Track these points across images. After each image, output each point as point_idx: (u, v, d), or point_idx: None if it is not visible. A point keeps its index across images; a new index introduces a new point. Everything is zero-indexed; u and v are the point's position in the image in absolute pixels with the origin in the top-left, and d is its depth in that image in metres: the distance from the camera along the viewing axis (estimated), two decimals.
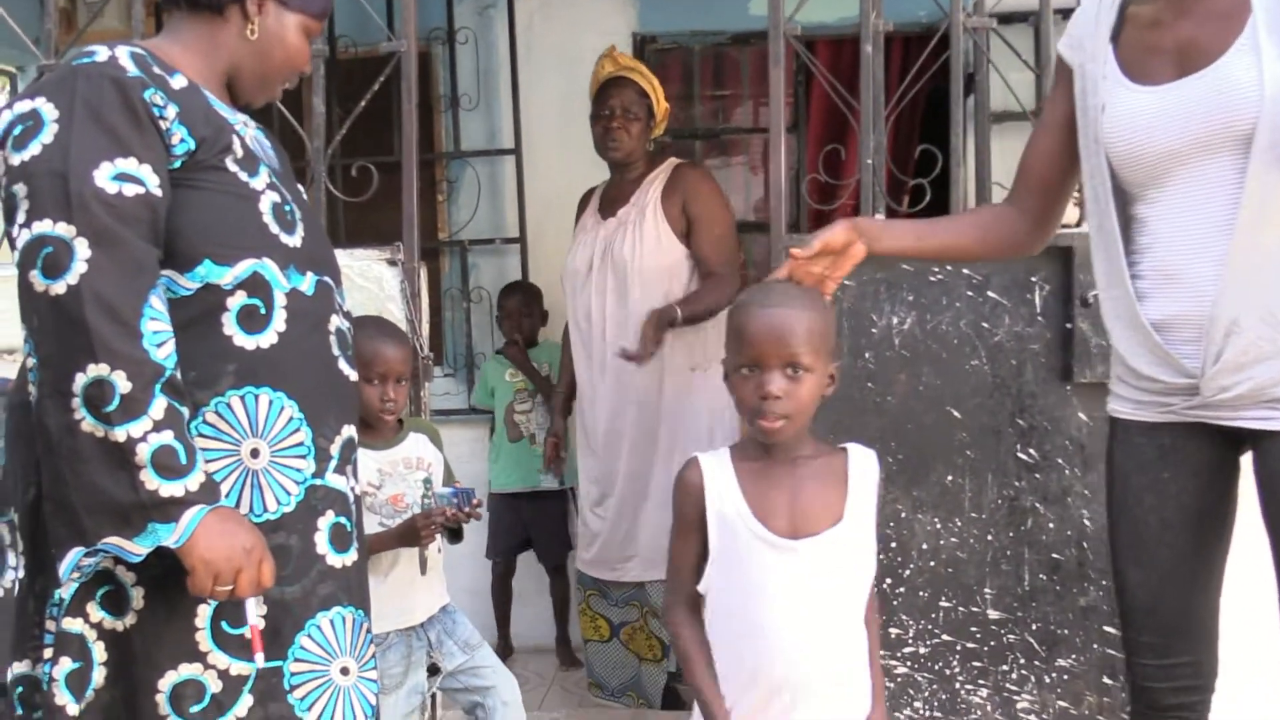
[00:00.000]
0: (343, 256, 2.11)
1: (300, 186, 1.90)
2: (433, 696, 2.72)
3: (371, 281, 2.69)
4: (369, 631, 1.75)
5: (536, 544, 4.06)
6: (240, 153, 1.68)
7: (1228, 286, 1.70)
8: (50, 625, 1.60)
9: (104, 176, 1.51)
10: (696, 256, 3.29)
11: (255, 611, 1.58)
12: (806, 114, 4.44)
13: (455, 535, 2.58)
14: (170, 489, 1.47)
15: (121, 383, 1.46)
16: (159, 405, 1.47)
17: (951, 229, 2.07)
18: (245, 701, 1.61)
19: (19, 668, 1.66)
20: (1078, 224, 2.71)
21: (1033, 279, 2.62)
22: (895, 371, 2.67)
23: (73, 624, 1.58)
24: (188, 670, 1.58)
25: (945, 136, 2.76)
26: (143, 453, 1.46)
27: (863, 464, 1.74)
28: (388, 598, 2.43)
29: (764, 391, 1.65)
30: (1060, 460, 2.63)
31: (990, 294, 2.64)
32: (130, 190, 1.52)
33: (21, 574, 1.65)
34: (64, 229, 1.48)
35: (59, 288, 1.47)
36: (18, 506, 1.65)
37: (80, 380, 1.46)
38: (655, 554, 3.13)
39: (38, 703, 1.65)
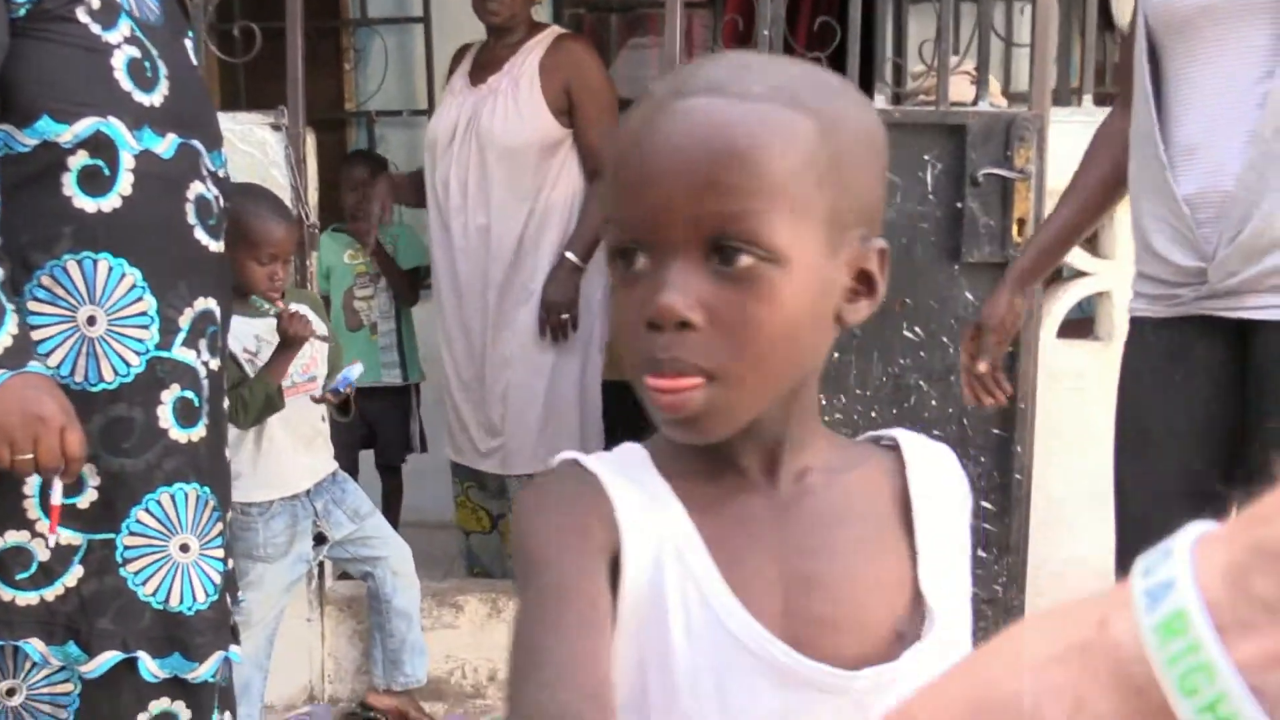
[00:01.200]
0: (224, 120, 2.05)
1: (189, 43, 1.82)
2: (320, 565, 2.74)
3: (254, 147, 2.62)
4: (215, 510, 1.73)
5: (377, 441, 3.68)
6: (96, 4, 1.60)
7: (1253, 165, 1.57)
8: None
9: None
10: (582, 147, 2.98)
11: (59, 486, 1.55)
12: None
13: (344, 409, 2.57)
14: None
15: None
16: None
17: (1087, 204, 1.97)
18: (75, 572, 1.60)
19: None
20: (973, 102, 2.69)
21: (925, 157, 2.61)
22: None
23: None
24: (14, 537, 1.57)
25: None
26: None
27: (935, 472, 0.84)
28: (268, 466, 2.42)
29: (651, 310, 0.71)
30: (945, 339, 2.65)
31: None
32: None
33: None
34: None
35: None
36: None
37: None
38: (524, 446, 3.02)
39: None
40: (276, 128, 2.64)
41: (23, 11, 1.54)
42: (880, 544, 0.81)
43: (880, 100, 2.70)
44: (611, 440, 3.10)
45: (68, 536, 1.58)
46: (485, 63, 3.09)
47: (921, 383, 2.67)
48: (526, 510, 0.78)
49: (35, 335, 1.53)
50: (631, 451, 0.81)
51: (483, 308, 3.01)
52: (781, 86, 0.72)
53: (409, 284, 3.56)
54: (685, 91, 0.72)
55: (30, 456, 1.46)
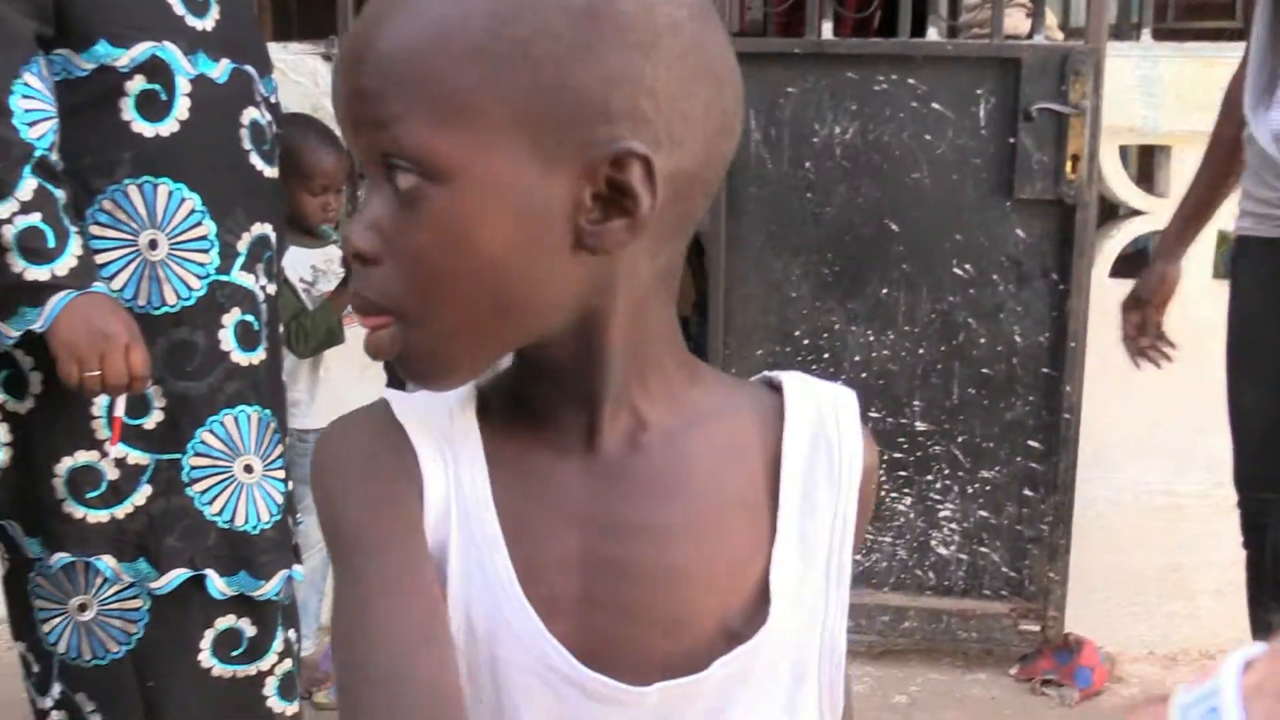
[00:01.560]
0: (275, 50, 2.06)
1: None
2: None
3: (305, 76, 2.64)
4: (275, 432, 1.77)
5: None
6: None
7: None
8: None
9: None
10: None
11: (122, 403, 1.59)
12: None
13: None
14: (35, 273, 1.47)
15: None
16: (27, 186, 1.46)
17: (1226, 162, 1.97)
18: (144, 491, 1.64)
19: None
20: (1028, 36, 2.65)
21: (978, 91, 2.58)
22: (835, 182, 2.64)
23: None
24: (84, 457, 1.61)
25: None
26: (8, 235, 1.45)
27: (820, 427, 0.71)
28: (324, 393, 2.47)
29: (342, 234, 0.74)
30: (995, 276, 2.64)
31: (935, 106, 2.59)
32: None
33: None
34: None
35: None
36: None
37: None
38: None
39: None
40: (327, 58, 2.65)
41: None
42: (726, 520, 0.68)
43: (933, 33, 2.66)
44: None
45: (135, 457, 1.63)
46: None
47: (970, 320, 2.66)
48: (333, 465, 0.68)
49: (98, 259, 1.56)
50: (460, 394, 0.70)
51: None
52: None
53: None
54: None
55: (97, 374, 1.50)
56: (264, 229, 1.74)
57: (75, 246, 1.50)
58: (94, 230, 1.57)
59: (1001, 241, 2.63)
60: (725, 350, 2.70)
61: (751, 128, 2.61)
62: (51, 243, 1.47)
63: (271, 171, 1.76)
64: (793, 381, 0.72)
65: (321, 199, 2.41)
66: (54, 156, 1.49)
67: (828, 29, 2.62)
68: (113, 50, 1.57)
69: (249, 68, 1.72)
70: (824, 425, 0.70)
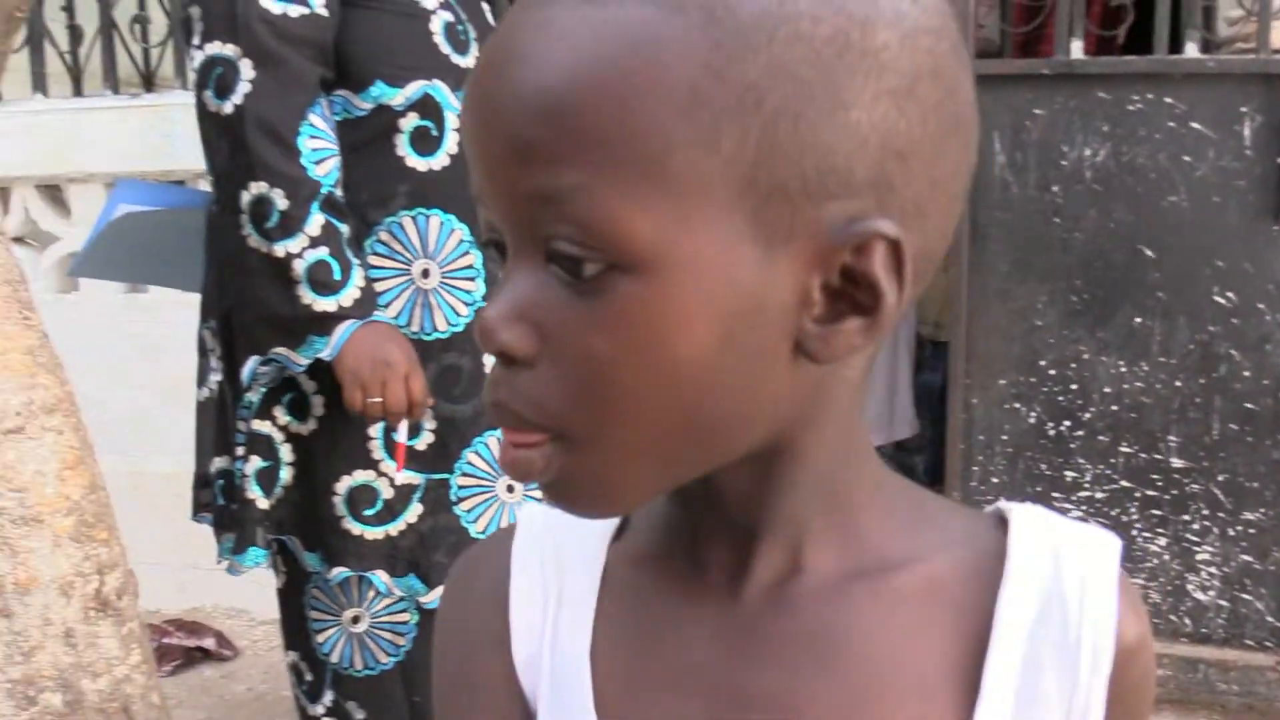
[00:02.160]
0: None
1: (486, 6, 1.91)
2: None
3: None
4: None
5: None
6: None
7: None
8: (242, 426, 1.73)
9: None
10: None
11: (404, 428, 1.66)
12: None
13: None
14: (324, 304, 1.55)
15: (280, 200, 1.53)
16: (315, 222, 1.54)
17: None
18: (415, 509, 1.71)
19: (219, 462, 1.81)
20: None
21: (1241, 110, 2.45)
22: (1085, 206, 2.55)
23: (261, 425, 1.71)
24: (362, 476, 1.69)
25: None
26: (299, 268, 1.54)
27: (1055, 588, 0.53)
28: None
29: (481, 327, 0.48)
30: (1261, 305, 2.49)
31: (1194, 125, 2.48)
32: (295, 10, 1.57)
33: (219, 378, 1.79)
34: (231, 50, 1.54)
35: (227, 107, 1.54)
36: (216, 316, 1.78)
37: (245, 198, 1.55)
38: None
39: (234, 495, 1.80)
40: None
41: None
42: (899, 706, 0.51)
43: (1191, 49, 2.54)
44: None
45: (408, 476, 1.70)
46: None
47: (1233, 351, 2.51)
48: (438, 622, 0.62)
49: (375, 287, 1.65)
50: (588, 556, 0.57)
51: None
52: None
53: None
54: (535, 2, 0.47)
55: (379, 400, 1.57)
56: None
57: (358, 278, 1.58)
58: (371, 260, 1.65)
59: (1268, 268, 2.48)
60: (966, 380, 2.63)
61: (996, 150, 2.54)
62: (338, 275, 1.56)
63: None
64: (1026, 518, 0.54)
65: None
66: (338, 193, 1.58)
67: (1077, 47, 2.53)
68: (388, 90, 1.65)
69: None
70: (1062, 584, 0.52)
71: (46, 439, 1.57)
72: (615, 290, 0.45)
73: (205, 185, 2.89)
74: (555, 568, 0.56)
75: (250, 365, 1.63)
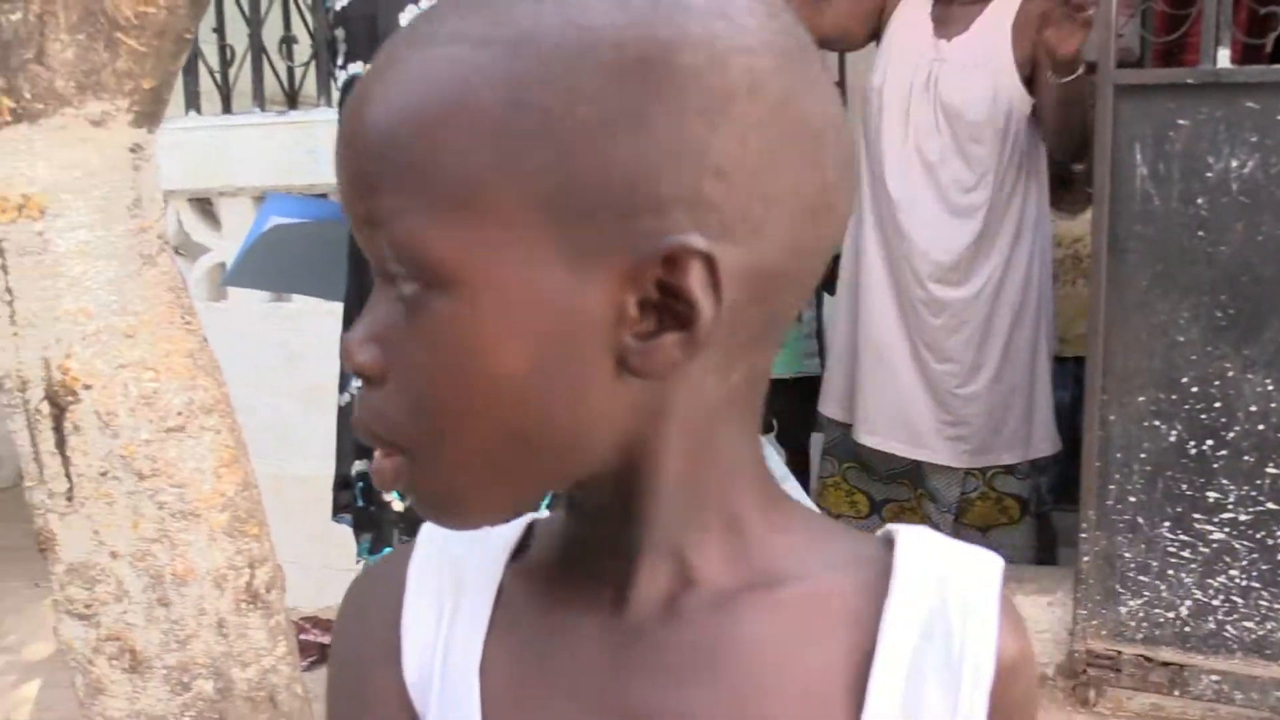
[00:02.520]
0: None
1: None
2: None
3: None
4: None
5: (780, 427, 3.47)
6: None
7: None
8: None
9: (408, 17, 1.62)
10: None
11: None
12: None
13: None
14: None
15: None
16: None
17: None
18: (541, 510, 1.75)
19: (359, 465, 1.88)
20: None
21: None
22: (1231, 219, 2.47)
23: None
24: None
25: None
26: None
27: (940, 608, 0.54)
28: None
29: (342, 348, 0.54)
30: None
31: None
32: None
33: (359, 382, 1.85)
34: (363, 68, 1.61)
35: None
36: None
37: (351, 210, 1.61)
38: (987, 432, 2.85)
39: (375, 498, 1.87)
40: None
41: None
42: (786, 712, 0.52)
43: None
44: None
45: None
46: (946, 16, 2.80)
47: None
48: (334, 632, 0.63)
49: None
50: (497, 533, 0.58)
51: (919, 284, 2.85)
52: (491, 6, 0.47)
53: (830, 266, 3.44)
54: (389, 43, 0.50)
55: None
56: None
57: None
58: None
59: None
60: (1104, 396, 2.57)
61: (1137, 162, 2.48)
62: None
63: None
64: (911, 538, 0.55)
65: None
66: None
67: (1224, 56, 2.46)
68: None
69: None
70: (946, 602, 0.53)
71: (205, 438, 1.65)
72: (429, 309, 0.47)
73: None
74: (452, 584, 0.57)
75: (354, 386, 1.69)
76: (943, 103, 2.73)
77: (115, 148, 1.53)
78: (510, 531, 0.58)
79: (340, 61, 1.65)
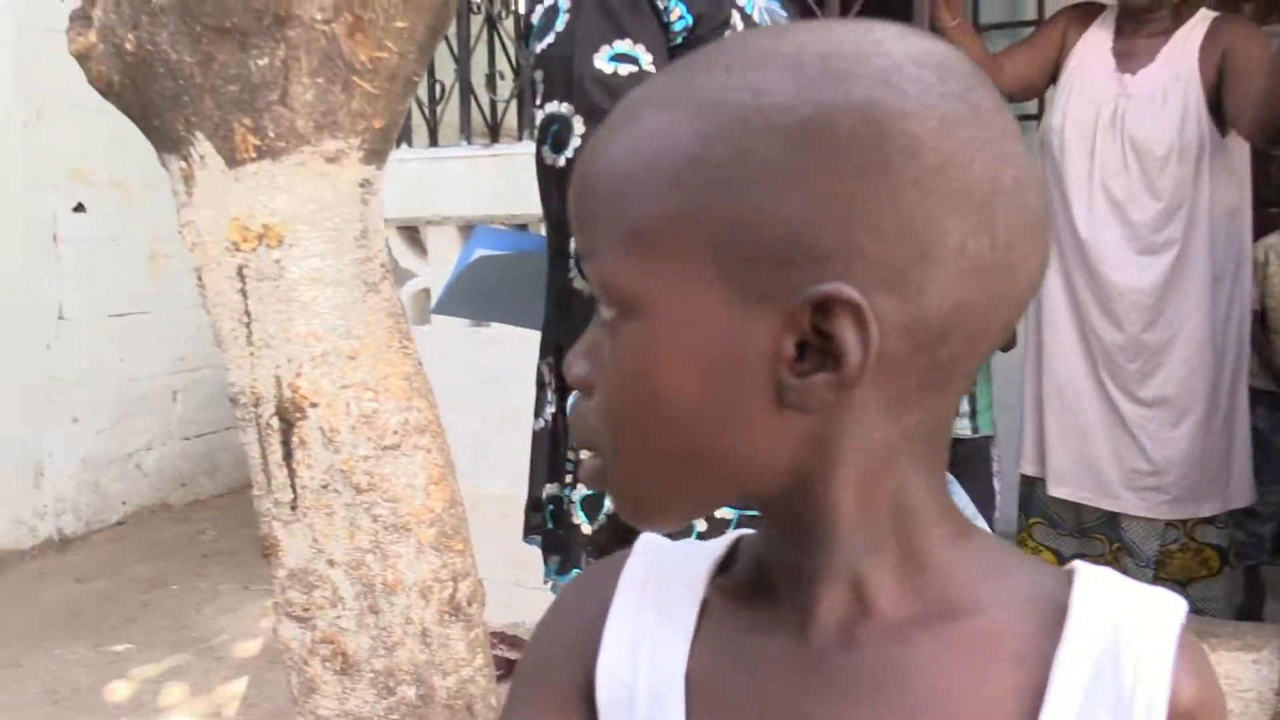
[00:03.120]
0: None
1: None
2: None
3: None
4: None
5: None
6: (740, 25, 1.79)
7: None
8: (571, 454, 1.85)
9: (602, 59, 1.68)
10: (1245, 123, 2.54)
11: None
12: None
13: None
14: None
15: None
16: None
17: None
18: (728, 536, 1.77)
19: (550, 488, 1.94)
20: None
21: None
22: None
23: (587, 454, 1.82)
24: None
25: None
26: None
27: (1112, 650, 0.55)
28: None
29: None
30: None
31: None
32: (625, 69, 1.68)
33: (554, 410, 1.92)
34: (565, 108, 1.68)
35: (560, 161, 1.68)
36: (553, 351, 1.92)
37: (573, 245, 1.67)
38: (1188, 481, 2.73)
39: (565, 521, 1.93)
40: None
41: (680, 40, 1.74)
42: None
43: None
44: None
45: (724, 512, 1.77)
46: (1129, 49, 2.75)
47: None
48: (546, 613, 0.69)
49: None
50: (707, 548, 0.65)
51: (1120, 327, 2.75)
52: (683, 72, 0.55)
53: None
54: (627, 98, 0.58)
55: None
56: None
57: None
58: None
59: None
60: None
61: None
62: None
63: None
64: (1091, 577, 0.57)
65: None
66: None
67: None
68: None
69: None
70: (1120, 646, 0.54)
71: (417, 456, 1.74)
72: (621, 333, 0.55)
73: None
74: (658, 592, 0.63)
75: (574, 395, 1.75)
76: (1131, 138, 2.67)
77: (347, 183, 1.65)
78: (718, 547, 0.64)
79: (539, 101, 1.73)
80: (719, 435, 0.54)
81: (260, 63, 1.57)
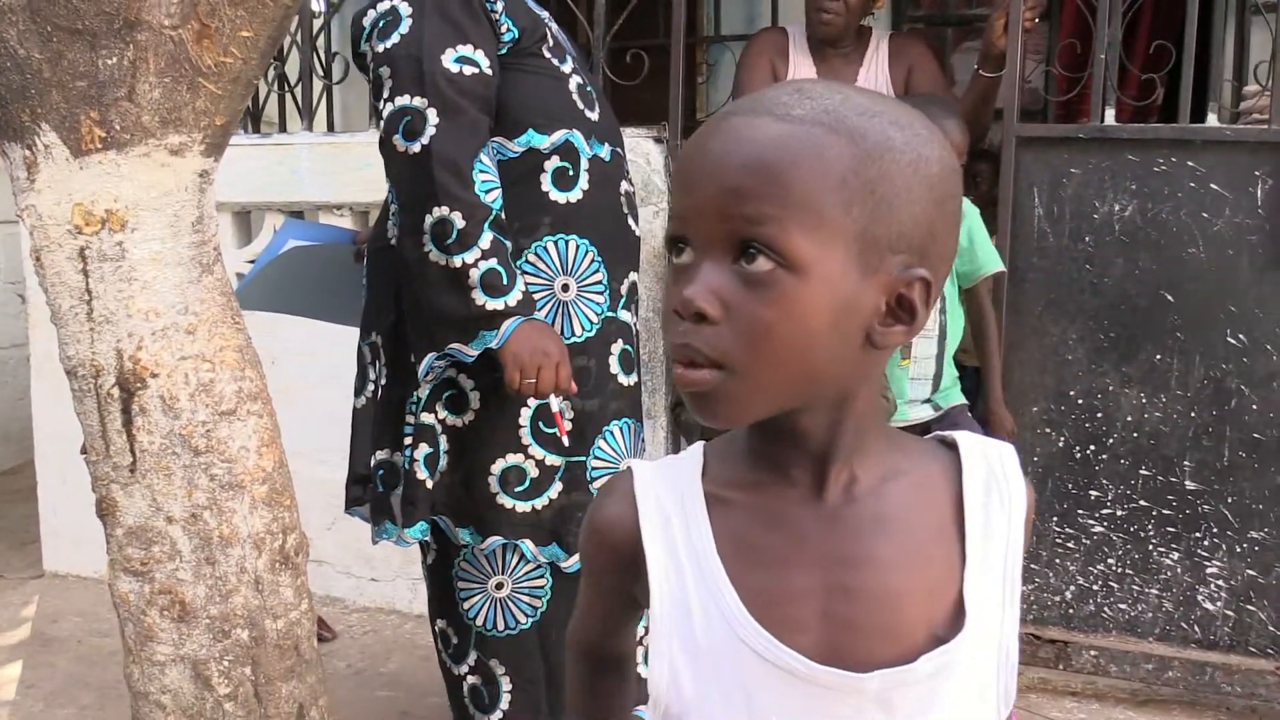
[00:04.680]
0: None
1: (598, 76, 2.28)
2: None
3: (640, 157, 3.06)
4: (641, 439, 2.16)
5: None
6: (552, 42, 2.06)
7: None
8: (410, 420, 2.07)
9: (448, 59, 1.91)
10: None
11: (556, 402, 1.97)
12: (1060, 2, 4.49)
13: None
14: (494, 304, 1.88)
15: (458, 221, 1.87)
16: (487, 238, 1.88)
17: None
18: (556, 487, 2.04)
19: (380, 455, 2.15)
20: None
21: (1256, 174, 2.74)
22: (1113, 256, 2.85)
23: (427, 418, 2.05)
24: (512, 459, 2.03)
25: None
26: (474, 276, 1.87)
27: (990, 474, 0.87)
28: None
29: (677, 299, 0.79)
30: (1269, 346, 2.78)
31: (1213, 186, 2.78)
32: (468, 70, 1.92)
33: (383, 383, 2.13)
34: (419, 101, 1.89)
35: (415, 148, 1.89)
36: (380, 330, 2.12)
37: (429, 220, 1.89)
38: None
39: (393, 482, 2.14)
40: (659, 140, 3.08)
41: (505, 50, 2.00)
42: (926, 552, 0.84)
43: (1213, 119, 2.85)
44: None
45: (551, 459, 2.03)
46: (831, 75, 3.08)
47: (1243, 387, 2.81)
48: (583, 528, 0.95)
49: None
50: (689, 456, 0.89)
51: None
52: (828, 110, 0.76)
53: None
54: (736, 111, 0.79)
55: (533, 381, 1.88)
56: (634, 276, 2.15)
57: (520, 284, 1.91)
58: (522, 279, 2.01)
59: (1275, 313, 2.77)
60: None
61: (1035, 204, 2.86)
62: (505, 281, 1.89)
63: (638, 230, 2.17)
64: (965, 439, 0.88)
65: None
66: (503, 215, 1.92)
67: (1110, 115, 2.85)
68: (537, 136, 2.00)
69: (619, 149, 2.14)
70: (993, 472, 0.86)
71: (250, 421, 1.91)
72: (779, 283, 0.75)
73: (341, 221, 3.25)
74: (668, 493, 0.87)
75: (426, 362, 1.97)
76: None
77: (188, 173, 1.80)
78: (694, 458, 0.89)
79: (387, 94, 1.93)
80: (828, 361, 0.77)
81: (109, 62, 1.71)
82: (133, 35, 1.71)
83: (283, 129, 3.70)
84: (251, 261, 3.56)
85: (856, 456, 0.84)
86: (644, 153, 3.06)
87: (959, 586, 0.83)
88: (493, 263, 1.88)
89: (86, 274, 1.81)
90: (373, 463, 2.13)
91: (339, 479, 2.24)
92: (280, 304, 2.54)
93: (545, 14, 2.13)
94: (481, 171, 1.90)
